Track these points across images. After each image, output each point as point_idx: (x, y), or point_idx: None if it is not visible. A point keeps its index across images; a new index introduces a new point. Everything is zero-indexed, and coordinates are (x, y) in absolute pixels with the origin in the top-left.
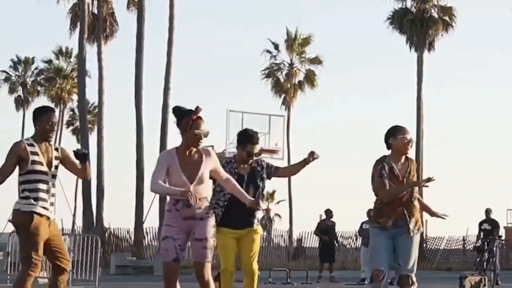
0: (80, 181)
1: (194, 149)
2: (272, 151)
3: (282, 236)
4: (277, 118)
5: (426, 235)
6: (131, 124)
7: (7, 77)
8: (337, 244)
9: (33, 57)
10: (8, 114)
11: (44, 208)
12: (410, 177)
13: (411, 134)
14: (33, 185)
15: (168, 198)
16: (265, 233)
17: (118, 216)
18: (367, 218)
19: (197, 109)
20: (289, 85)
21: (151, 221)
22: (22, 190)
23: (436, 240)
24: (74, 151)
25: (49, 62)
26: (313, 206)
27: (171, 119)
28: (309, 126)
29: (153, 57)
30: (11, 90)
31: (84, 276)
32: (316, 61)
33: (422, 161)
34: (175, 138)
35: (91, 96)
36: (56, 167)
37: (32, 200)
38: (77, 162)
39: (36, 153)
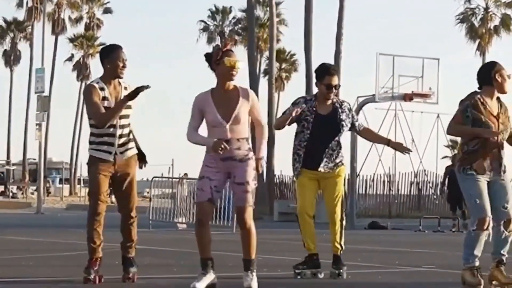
0: None
1: (231, 87)
2: (425, 95)
3: None
4: (431, 61)
5: None
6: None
7: (205, 27)
8: None
9: (231, 7)
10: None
11: (107, 152)
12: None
13: None
14: (101, 130)
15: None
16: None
17: (284, 164)
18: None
19: (227, 41)
20: (484, 30)
21: None
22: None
23: None
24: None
25: (246, 11)
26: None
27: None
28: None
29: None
30: (209, 40)
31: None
32: None
33: None
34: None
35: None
36: (126, 106)
37: (94, 145)
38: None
39: (105, 98)
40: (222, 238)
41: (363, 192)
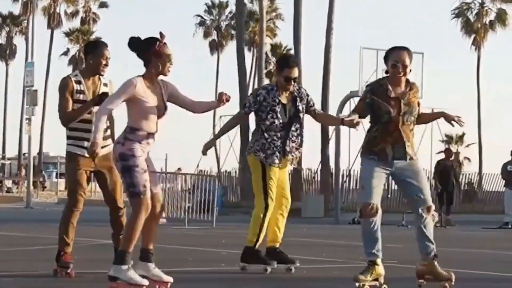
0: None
1: (157, 80)
2: None
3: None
4: (415, 55)
5: None
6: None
7: (202, 21)
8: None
9: (227, 1)
10: (203, 58)
11: (81, 147)
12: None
13: None
14: (78, 125)
15: (137, 127)
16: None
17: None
18: (510, 158)
19: (163, 35)
20: (479, 25)
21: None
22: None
23: None
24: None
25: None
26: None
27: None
28: (501, 67)
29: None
30: (206, 34)
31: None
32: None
33: None
34: (336, 80)
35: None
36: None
37: (74, 140)
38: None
39: (81, 91)
40: (204, 233)
41: (354, 187)
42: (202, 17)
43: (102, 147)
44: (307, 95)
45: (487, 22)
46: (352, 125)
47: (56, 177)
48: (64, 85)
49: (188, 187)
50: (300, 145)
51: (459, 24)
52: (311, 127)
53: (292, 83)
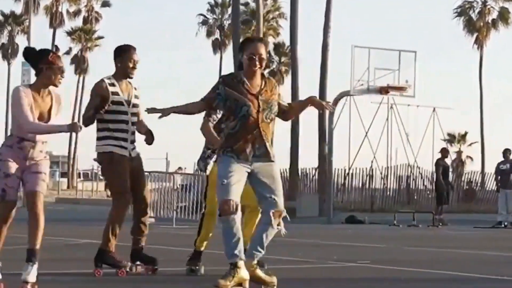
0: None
1: (48, 90)
2: (401, 88)
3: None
4: (408, 54)
5: None
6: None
7: (205, 20)
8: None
9: (230, 0)
10: (205, 57)
11: (122, 147)
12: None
13: None
14: (115, 125)
15: (10, 133)
16: (454, 175)
17: None
18: (503, 158)
19: (57, 48)
20: (481, 24)
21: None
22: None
23: None
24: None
25: (246, 4)
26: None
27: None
28: (504, 66)
29: None
30: (209, 34)
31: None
32: None
33: None
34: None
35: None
36: (134, 105)
37: (110, 140)
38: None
39: (116, 93)
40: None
41: (351, 186)
42: (205, 16)
43: (133, 149)
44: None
45: (489, 21)
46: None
47: (59, 177)
48: (97, 87)
49: (176, 187)
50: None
51: (461, 22)
52: (309, 126)
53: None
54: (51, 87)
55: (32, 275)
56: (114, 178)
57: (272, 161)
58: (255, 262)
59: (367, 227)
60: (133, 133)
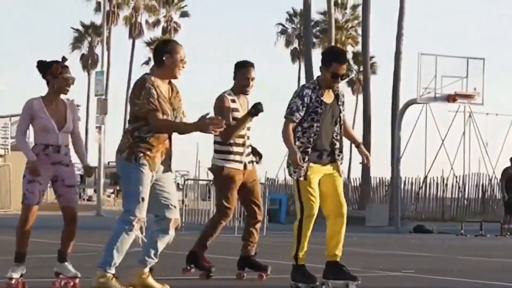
0: None
1: (60, 98)
2: (469, 96)
3: None
4: (476, 61)
5: None
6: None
7: (283, 30)
8: None
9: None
10: (284, 66)
11: (238, 161)
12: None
13: None
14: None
15: (34, 143)
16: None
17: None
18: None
19: (64, 58)
20: None
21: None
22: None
23: None
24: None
25: (325, 13)
26: None
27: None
28: None
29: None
30: (287, 43)
31: None
32: None
33: None
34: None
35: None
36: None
37: (224, 155)
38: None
39: (236, 109)
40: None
41: (425, 195)
42: (283, 26)
43: (249, 162)
44: (343, 96)
45: None
46: (364, 156)
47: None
48: (222, 103)
49: None
50: (341, 151)
51: None
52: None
53: (339, 81)
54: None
55: (74, 270)
56: (222, 191)
57: (172, 172)
58: (147, 269)
59: (434, 236)
60: (249, 146)
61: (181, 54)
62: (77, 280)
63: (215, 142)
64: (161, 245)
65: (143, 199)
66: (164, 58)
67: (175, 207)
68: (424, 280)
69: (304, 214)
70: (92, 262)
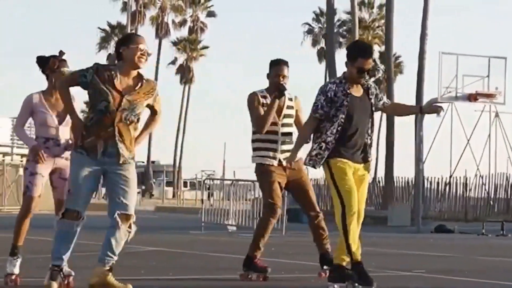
0: None
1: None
2: (491, 95)
3: None
4: (497, 60)
5: None
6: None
7: (310, 29)
8: None
9: (335, 9)
10: (311, 66)
11: (272, 158)
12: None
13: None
14: (267, 136)
15: (36, 136)
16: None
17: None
18: None
19: (61, 52)
20: None
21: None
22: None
23: None
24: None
25: (350, 13)
26: None
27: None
28: None
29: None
30: (314, 43)
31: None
32: None
33: None
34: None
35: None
36: (286, 115)
37: (261, 151)
38: None
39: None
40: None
41: (450, 194)
42: (310, 25)
43: (284, 158)
44: (376, 88)
45: None
46: (432, 110)
47: (164, 186)
48: (252, 99)
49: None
50: (371, 145)
51: None
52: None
53: (366, 76)
54: None
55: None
56: (263, 188)
57: (125, 163)
58: (107, 268)
59: (454, 236)
60: (284, 143)
61: (139, 44)
62: (70, 279)
63: (251, 141)
64: (114, 241)
65: (68, 190)
66: (121, 51)
67: (123, 201)
68: (432, 280)
69: (346, 206)
70: (85, 261)
